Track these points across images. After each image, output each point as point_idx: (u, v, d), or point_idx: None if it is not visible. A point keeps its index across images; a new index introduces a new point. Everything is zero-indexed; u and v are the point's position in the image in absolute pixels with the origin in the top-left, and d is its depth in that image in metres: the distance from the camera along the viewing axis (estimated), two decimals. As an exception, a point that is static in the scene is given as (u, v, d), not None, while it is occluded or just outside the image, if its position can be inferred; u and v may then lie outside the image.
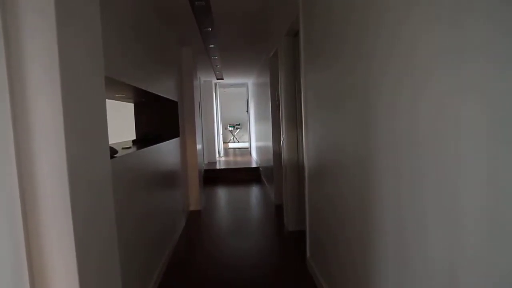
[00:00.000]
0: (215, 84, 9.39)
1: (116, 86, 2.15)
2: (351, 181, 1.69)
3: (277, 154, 4.70)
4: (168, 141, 3.40)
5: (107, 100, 3.32)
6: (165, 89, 3.34)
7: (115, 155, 1.85)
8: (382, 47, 1.30)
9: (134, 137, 3.60)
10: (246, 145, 12.49)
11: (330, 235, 2.15)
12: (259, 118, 7.10)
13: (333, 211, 2.04)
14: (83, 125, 1.10)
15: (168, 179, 3.33)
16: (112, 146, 1.98)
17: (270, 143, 5.02)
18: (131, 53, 2.15)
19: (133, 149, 2.57)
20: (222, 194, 6.14)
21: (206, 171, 7.18)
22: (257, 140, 8.15)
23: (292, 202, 3.67)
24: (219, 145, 10.02)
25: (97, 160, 1.20)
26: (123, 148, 2.38)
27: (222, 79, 8.03)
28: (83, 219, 1.05)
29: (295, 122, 3.58)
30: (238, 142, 14.39)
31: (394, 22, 1.22)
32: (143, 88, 2.40)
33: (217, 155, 9.22)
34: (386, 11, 1.26)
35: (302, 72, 2.74)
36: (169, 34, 3.78)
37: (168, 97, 3.43)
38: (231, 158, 9.73)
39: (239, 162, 8.62)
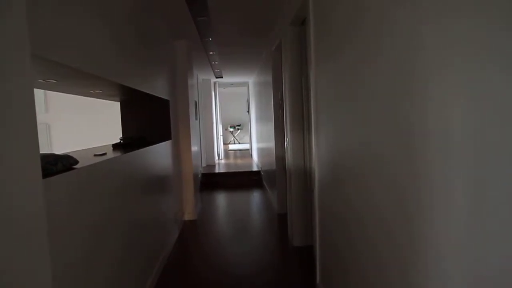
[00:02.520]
0: (214, 83, 8.97)
1: (84, 80, 1.74)
2: (392, 186, 1.25)
3: (280, 157, 4.29)
4: (156, 145, 2.98)
5: (89, 98, 2.92)
6: (153, 85, 2.92)
7: (75, 166, 1.44)
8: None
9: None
10: (247, 146, 12.08)
11: (353, 256, 1.72)
12: (260, 118, 6.67)
13: (360, 226, 1.61)
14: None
15: (156, 187, 2.91)
16: (71, 154, 1.57)
17: (272, 145, 4.61)
18: (96, 36, 1.73)
19: (113, 154, 2.16)
20: (220, 200, 5.72)
21: (204, 175, 6.76)
22: (258, 141, 7.73)
23: (298, 212, 3.24)
24: (219, 147, 9.60)
25: (10, 179, 0.78)
26: (95, 155, 1.97)
27: (221, 77, 7.62)
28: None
29: (301, 122, 3.16)
30: (239, 143, 13.98)
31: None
32: (120, 82, 1.98)
33: (216, 157, 8.80)
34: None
35: (312, 65, 2.32)
36: (159, 24, 3.37)
37: (156, 94, 3.01)
38: (231, 160, 9.31)
39: (240, 165, 8.20)
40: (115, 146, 2.63)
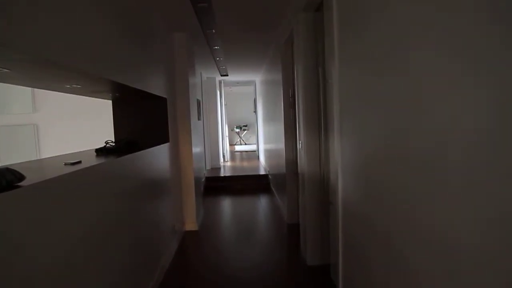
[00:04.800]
0: (220, 81, 8.58)
1: (48, 70, 1.35)
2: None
3: (290, 161, 3.88)
4: (149, 149, 2.59)
5: (85, 97, 2.52)
6: (145, 80, 2.53)
7: (18, 184, 1.04)
8: None
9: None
10: (253, 148, 11.67)
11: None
12: (268, 119, 6.25)
13: (414, 255, 1.20)
14: None
15: (147, 197, 2.52)
16: (37, 163, 1.17)
17: (281, 147, 4.19)
18: (63, 16, 1.34)
19: (97, 160, 1.78)
20: (225, 207, 5.31)
21: (208, 179, 6.37)
22: (265, 143, 7.30)
23: (312, 226, 2.82)
24: (224, 148, 9.20)
25: None
26: (66, 164, 1.58)
27: (227, 75, 7.22)
28: None
29: (317, 122, 2.74)
30: (246, 144, 13.58)
31: None
32: (100, 75, 1.59)
33: (221, 159, 8.40)
34: None
35: (336, 56, 1.90)
36: (154, 13, 2.98)
37: (151, 91, 2.62)
38: (237, 162, 8.91)
39: (246, 168, 7.80)
40: (99, 151, 2.24)
